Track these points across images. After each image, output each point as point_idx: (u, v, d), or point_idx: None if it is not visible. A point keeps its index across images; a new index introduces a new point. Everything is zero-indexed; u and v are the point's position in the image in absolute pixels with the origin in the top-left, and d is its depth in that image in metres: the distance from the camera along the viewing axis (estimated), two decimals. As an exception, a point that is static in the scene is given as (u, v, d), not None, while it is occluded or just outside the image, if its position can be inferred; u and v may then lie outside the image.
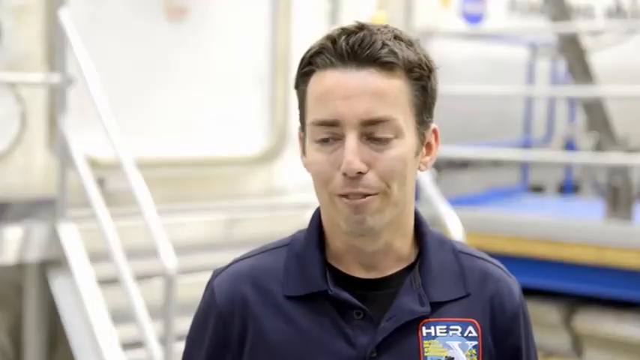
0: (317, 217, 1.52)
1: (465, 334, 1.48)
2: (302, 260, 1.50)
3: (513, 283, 1.56)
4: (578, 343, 5.58)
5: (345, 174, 1.39)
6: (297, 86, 1.48)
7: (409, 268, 1.50)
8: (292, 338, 1.46)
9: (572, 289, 5.47)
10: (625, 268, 5.17)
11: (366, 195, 1.40)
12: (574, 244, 5.33)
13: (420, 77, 1.44)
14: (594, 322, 5.51)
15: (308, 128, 1.45)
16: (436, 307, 1.47)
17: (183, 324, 4.11)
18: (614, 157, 5.66)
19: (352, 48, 1.40)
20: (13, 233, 4.26)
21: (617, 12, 8.25)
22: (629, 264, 5.15)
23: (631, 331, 5.37)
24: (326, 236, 1.51)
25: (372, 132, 1.40)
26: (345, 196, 1.41)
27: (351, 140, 1.39)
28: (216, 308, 1.51)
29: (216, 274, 1.56)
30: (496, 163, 7.07)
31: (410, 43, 1.44)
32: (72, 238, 4.26)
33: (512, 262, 5.56)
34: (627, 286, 5.21)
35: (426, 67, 1.45)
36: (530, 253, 5.46)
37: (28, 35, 4.50)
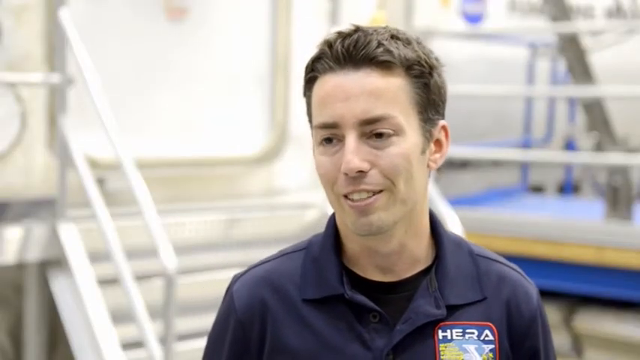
0: (333, 221, 1.54)
1: (482, 338, 1.48)
2: (318, 264, 1.51)
3: (531, 287, 1.55)
4: (578, 343, 5.58)
5: (346, 174, 1.40)
6: (304, 94, 1.50)
7: (426, 271, 1.50)
8: (309, 341, 1.47)
9: (572, 289, 5.47)
10: (625, 268, 5.17)
11: (370, 194, 1.41)
12: (574, 244, 5.33)
13: (421, 74, 1.44)
14: (594, 322, 5.51)
15: (313, 132, 1.47)
16: (452, 310, 1.47)
17: (184, 324, 4.13)
18: (614, 157, 5.66)
19: (347, 50, 1.42)
20: (13, 233, 4.25)
21: (617, 12, 8.25)
22: (629, 264, 5.15)
23: (631, 331, 5.36)
24: (342, 239, 1.52)
25: (372, 131, 1.41)
26: (350, 197, 1.42)
27: (351, 140, 1.41)
28: (236, 314, 1.52)
29: (236, 279, 1.57)
30: (496, 163, 7.07)
31: (408, 42, 1.45)
32: (72, 238, 4.26)
33: (512, 262, 5.58)
34: (627, 286, 5.21)
35: (425, 64, 1.45)
36: (530, 253, 5.45)
37: (28, 35, 4.50)
